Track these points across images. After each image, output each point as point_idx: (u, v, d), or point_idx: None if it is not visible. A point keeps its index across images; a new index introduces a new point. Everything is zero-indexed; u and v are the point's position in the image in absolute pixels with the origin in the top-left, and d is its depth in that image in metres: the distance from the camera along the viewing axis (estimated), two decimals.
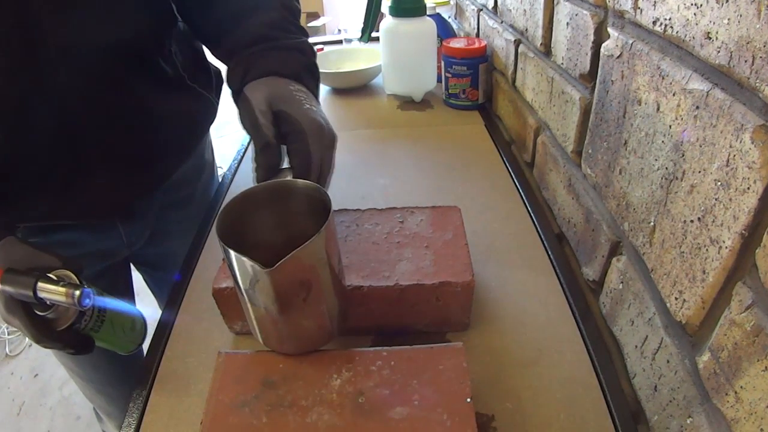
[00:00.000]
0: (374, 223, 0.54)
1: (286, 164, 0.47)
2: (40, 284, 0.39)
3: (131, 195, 0.62)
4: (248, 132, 0.48)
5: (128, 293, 0.80)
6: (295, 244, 0.35)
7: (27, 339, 0.42)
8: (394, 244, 0.51)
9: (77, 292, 0.39)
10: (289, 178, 0.45)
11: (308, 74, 0.54)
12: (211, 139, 0.84)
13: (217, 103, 0.72)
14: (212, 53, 0.61)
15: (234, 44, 0.54)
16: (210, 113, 0.70)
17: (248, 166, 0.86)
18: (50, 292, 0.39)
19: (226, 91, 0.75)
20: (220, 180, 0.86)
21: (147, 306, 0.89)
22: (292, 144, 0.46)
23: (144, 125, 0.58)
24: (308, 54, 0.56)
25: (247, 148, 0.92)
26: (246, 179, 0.82)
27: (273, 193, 0.43)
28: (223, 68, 0.74)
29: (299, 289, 0.38)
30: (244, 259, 0.35)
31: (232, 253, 0.35)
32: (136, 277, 0.84)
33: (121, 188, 0.59)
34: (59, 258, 0.42)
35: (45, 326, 0.41)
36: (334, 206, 0.54)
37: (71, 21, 0.46)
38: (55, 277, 0.40)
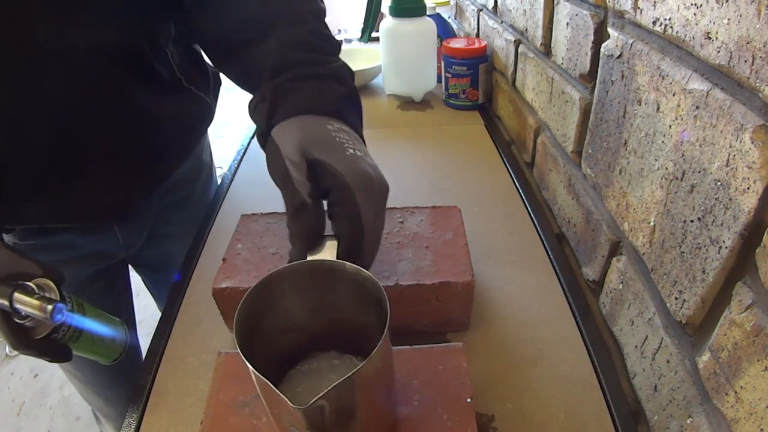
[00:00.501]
0: None
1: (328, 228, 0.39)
2: (16, 295, 0.39)
3: (128, 197, 0.62)
4: (279, 187, 0.39)
5: (126, 295, 0.80)
6: (338, 330, 0.31)
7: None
8: (394, 245, 0.51)
9: (49, 307, 0.39)
10: (331, 248, 0.37)
11: (349, 106, 0.44)
12: (209, 140, 0.84)
13: (215, 105, 0.72)
14: (222, 72, 0.53)
15: (253, 69, 0.46)
16: (207, 115, 0.70)
17: (248, 167, 0.86)
18: (25, 303, 0.39)
19: (224, 92, 0.75)
20: (219, 181, 0.86)
21: (146, 307, 0.89)
22: (335, 206, 0.37)
23: (140, 127, 0.58)
24: (346, 80, 0.46)
25: (247, 148, 0.92)
26: (246, 180, 0.82)
27: (313, 274, 0.36)
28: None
29: (337, 419, 0.32)
30: (273, 389, 0.28)
31: (259, 379, 0.29)
32: (136, 277, 0.84)
33: (118, 190, 0.59)
34: (40, 266, 0.42)
35: (23, 334, 0.41)
36: None
37: (66, 25, 0.46)
38: (34, 286, 0.41)
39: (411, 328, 0.50)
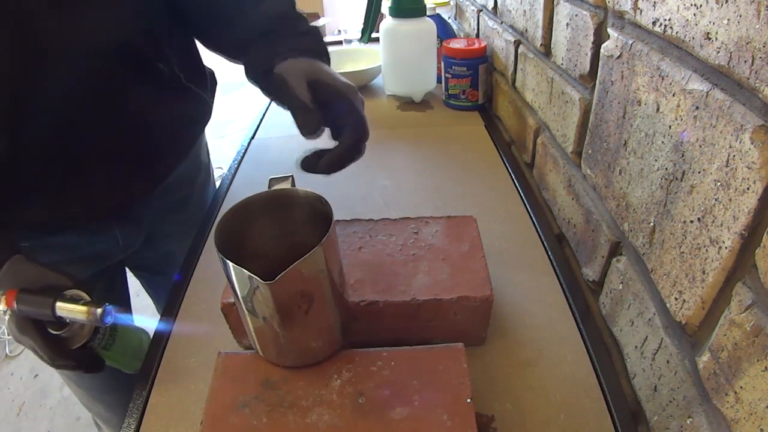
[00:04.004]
0: (388, 234, 0.52)
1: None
2: (59, 303, 0.39)
3: (129, 196, 0.62)
4: (282, 100, 0.46)
5: (124, 298, 0.80)
6: (296, 255, 0.34)
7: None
8: (409, 257, 0.49)
9: (99, 310, 0.39)
10: (286, 183, 0.43)
11: (326, 58, 0.54)
12: (206, 140, 0.84)
13: (212, 104, 0.72)
14: (211, 47, 0.60)
15: (246, 34, 0.54)
16: (205, 113, 0.70)
17: (248, 167, 0.86)
18: (70, 311, 0.39)
19: (224, 92, 0.75)
20: (218, 181, 0.85)
21: (146, 307, 0.89)
22: (338, 106, 0.45)
23: (140, 126, 0.58)
24: (321, 38, 0.57)
25: (247, 148, 0.92)
26: (246, 181, 0.82)
27: (273, 202, 0.42)
28: (218, 70, 0.74)
29: (300, 301, 0.37)
30: (244, 271, 0.34)
31: (231, 265, 0.35)
32: (134, 280, 0.84)
33: (118, 190, 0.59)
34: (70, 278, 0.42)
35: (59, 345, 0.41)
36: (334, 208, 0.55)
37: (66, 24, 0.46)
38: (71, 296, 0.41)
39: (426, 343, 0.47)
